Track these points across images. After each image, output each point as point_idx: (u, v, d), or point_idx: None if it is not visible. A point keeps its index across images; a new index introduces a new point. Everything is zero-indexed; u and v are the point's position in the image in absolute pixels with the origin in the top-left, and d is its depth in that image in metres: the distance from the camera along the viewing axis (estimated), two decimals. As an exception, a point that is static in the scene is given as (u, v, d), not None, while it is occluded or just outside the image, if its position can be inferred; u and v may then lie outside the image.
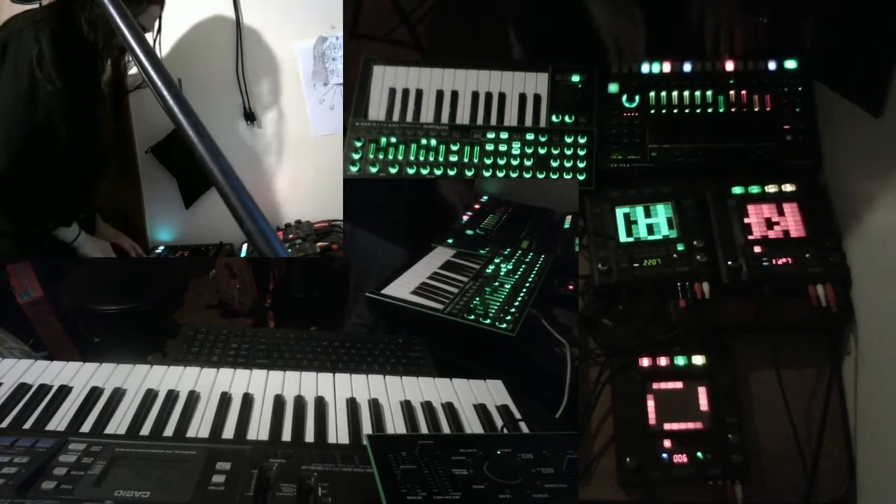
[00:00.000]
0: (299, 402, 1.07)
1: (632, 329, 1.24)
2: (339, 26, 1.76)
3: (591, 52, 1.40)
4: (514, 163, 1.38)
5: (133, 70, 1.59)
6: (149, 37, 1.50)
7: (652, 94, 1.40)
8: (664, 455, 1.15)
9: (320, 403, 1.08)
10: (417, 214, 1.85)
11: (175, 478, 0.81)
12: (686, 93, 1.40)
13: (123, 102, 1.63)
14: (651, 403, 1.18)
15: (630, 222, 1.28)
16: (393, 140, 1.40)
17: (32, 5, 1.44)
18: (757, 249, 1.23)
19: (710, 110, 1.39)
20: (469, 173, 1.39)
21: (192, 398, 1.05)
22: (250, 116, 1.80)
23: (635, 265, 1.23)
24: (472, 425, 1.08)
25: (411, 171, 1.38)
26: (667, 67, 1.42)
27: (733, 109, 1.39)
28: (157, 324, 2.24)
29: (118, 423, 0.98)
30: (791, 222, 1.25)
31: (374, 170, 1.38)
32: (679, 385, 1.19)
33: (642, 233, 1.27)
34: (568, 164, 1.37)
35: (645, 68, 1.41)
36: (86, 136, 1.40)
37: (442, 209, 2.05)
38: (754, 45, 1.42)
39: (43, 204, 1.36)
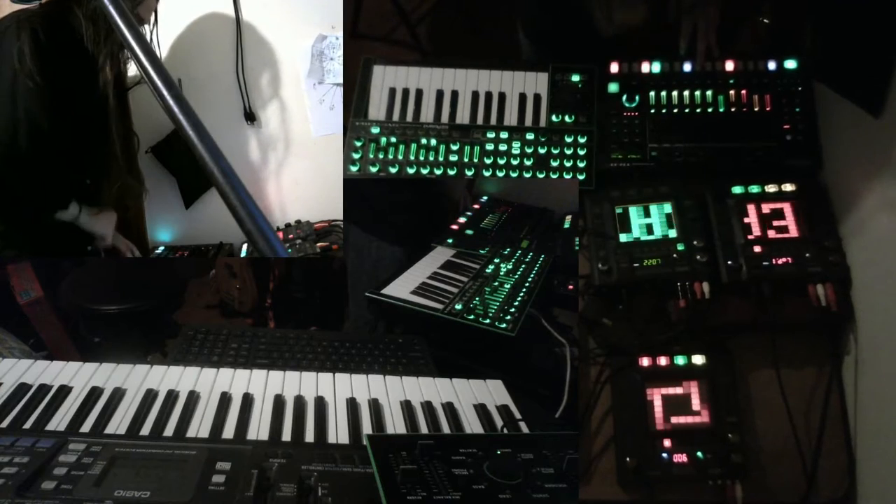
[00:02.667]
0: (299, 402, 1.07)
1: (632, 329, 1.24)
2: (339, 26, 1.76)
3: (600, 50, 1.39)
4: (514, 162, 1.38)
5: (132, 68, 1.59)
6: (146, 29, 1.50)
7: (652, 93, 1.40)
8: (664, 455, 1.15)
9: (320, 403, 1.08)
10: (415, 212, 1.85)
11: (175, 478, 0.81)
12: (686, 92, 1.40)
13: (124, 100, 1.63)
14: (651, 403, 1.18)
15: (630, 222, 1.28)
16: (393, 140, 1.40)
17: (32, 5, 1.44)
18: (757, 249, 1.23)
19: (710, 110, 1.39)
20: (469, 173, 1.39)
21: (192, 398, 1.05)
22: (250, 116, 1.80)
23: (635, 265, 1.23)
24: (472, 425, 1.08)
25: (411, 171, 1.38)
26: (667, 67, 1.42)
27: (733, 109, 1.39)
28: (157, 324, 2.24)
29: (118, 423, 0.98)
30: (791, 222, 1.25)
31: (374, 169, 1.39)
32: (679, 385, 1.19)
33: (642, 233, 1.27)
34: (568, 164, 1.37)
35: (645, 68, 1.41)
36: (72, 132, 1.39)
37: (443, 207, 2.04)
38: (756, 45, 1.42)
39: (35, 199, 1.35)
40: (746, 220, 1.26)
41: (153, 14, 1.53)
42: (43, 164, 1.33)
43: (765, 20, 1.40)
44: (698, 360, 1.21)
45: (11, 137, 1.29)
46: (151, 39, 1.53)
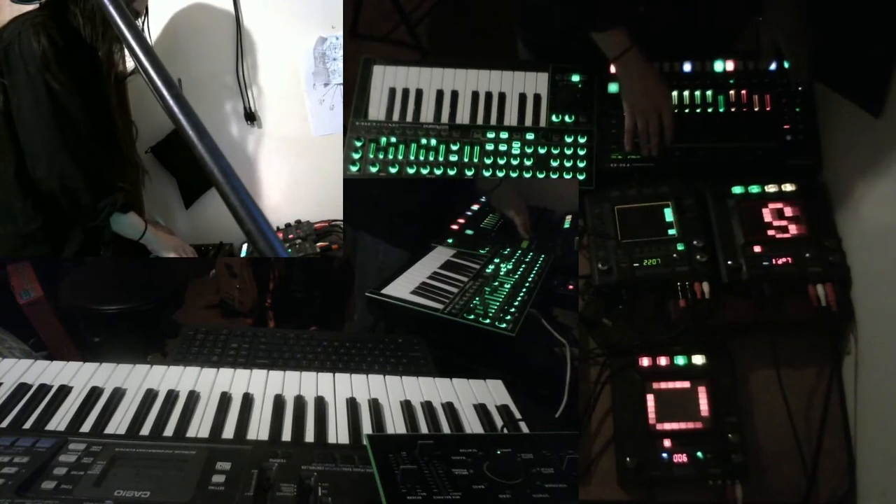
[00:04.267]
0: (299, 402, 1.07)
1: (632, 329, 1.24)
2: (339, 26, 1.76)
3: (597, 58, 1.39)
4: (514, 163, 1.39)
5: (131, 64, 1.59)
6: (138, 21, 1.51)
7: (652, 93, 1.39)
8: (664, 455, 1.15)
9: (320, 403, 1.08)
10: (418, 215, 1.85)
11: (175, 478, 0.81)
12: (686, 92, 1.40)
13: (122, 92, 1.62)
14: (651, 403, 1.18)
15: (630, 222, 1.28)
16: (393, 140, 1.40)
17: (32, 5, 1.44)
18: (757, 249, 1.23)
19: (710, 110, 1.39)
20: (469, 173, 1.39)
21: (192, 398, 1.05)
22: (250, 116, 1.79)
23: (635, 265, 1.23)
24: (472, 425, 1.08)
25: (411, 171, 1.38)
26: (667, 67, 1.42)
27: (733, 109, 1.39)
28: (157, 324, 2.24)
29: (118, 423, 0.98)
30: (791, 222, 1.25)
31: (374, 169, 1.39)
32: (679, 385, 1.19)
33: (642, 233, 1.27)
34: (568, 164, 1.37)
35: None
36: (104, 129, 1.44)
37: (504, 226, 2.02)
38: (756, 45, 1.42)
39: (93, 198, 1.39)
40: (746, 220, 1.26)
41: (146, 6, 1.54)
42: (89, 157, 1.37)
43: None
44: (698, 360, 1.21)
45: (62, 144, 1.32)
46: (143, 30, 1.53)
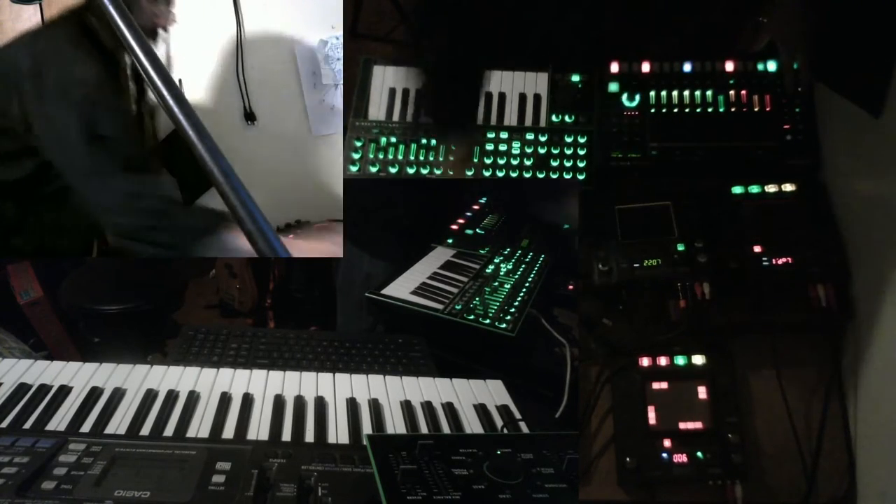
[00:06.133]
0: (299, 402, 1.07)
1: (632, 329, 1.24)
2: (339, 26, 1.76)
3: (597, 58, 1.39)
4: (514, 163, 1.38)
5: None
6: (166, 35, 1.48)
7: (652, 93, 1.39)
8: (664, 455, 1.15)
9: (320, 403, 1.08)
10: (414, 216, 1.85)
11: (175, 478, 0.81)
12: (686, 92, 1.40)
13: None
14: (651, 403, 1.18)
15: (630, 222, 1.28)
16: (393, 140, 1.40)
17: (33, 5, 1.44)
18: (757, 249, 1.23)
19: (710, 110, 1.39)
20: (469, 173, 1.39)
21: (192, 398, 1.05)
22: (250, 116, 1.79)
23: (635, 265, 1.23)
24: (472, 425, 1.08)
25: (411, 171, 1.38)
26: (667, 67, 1.42)
27: (733, 109, 1.39)
28: (157, 324, 2.24)
29: (118, 423, 0.98)
30: (791, 222, 1.25)
31: (374, 169, 1.39)
32: (679, 385, 1.19)
33: (642, 233, 1.27)
34: (568, 164, 1.37)
35: (645, 67, 1.41)
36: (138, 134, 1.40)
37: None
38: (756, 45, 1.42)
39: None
40: (746, 220, 1.26)
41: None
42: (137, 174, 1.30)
43: (764, 20, 1.40)
44: (698, 360, 1.21)
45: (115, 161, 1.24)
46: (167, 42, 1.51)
